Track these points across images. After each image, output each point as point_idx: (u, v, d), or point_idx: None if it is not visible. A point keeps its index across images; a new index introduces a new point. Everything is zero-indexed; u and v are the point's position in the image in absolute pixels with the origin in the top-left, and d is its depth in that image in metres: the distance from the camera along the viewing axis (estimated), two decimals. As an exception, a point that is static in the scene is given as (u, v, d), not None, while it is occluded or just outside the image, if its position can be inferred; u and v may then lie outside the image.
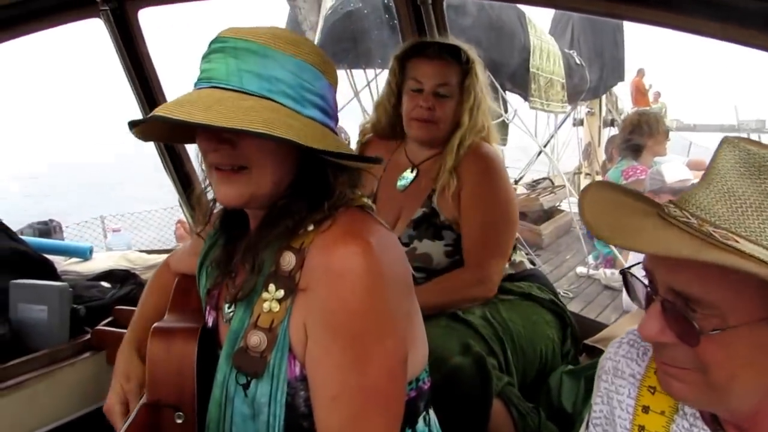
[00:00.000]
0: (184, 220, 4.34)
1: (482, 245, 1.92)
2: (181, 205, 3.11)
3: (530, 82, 6.41)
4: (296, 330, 1.05)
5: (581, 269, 6.38)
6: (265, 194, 1.07)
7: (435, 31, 2.36)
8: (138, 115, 2.42)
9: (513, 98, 6.76)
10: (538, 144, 7.94)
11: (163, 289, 1.48)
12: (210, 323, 1.26)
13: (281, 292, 1.05)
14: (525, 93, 6.51)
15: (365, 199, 1.14)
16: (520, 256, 2.12)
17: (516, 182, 8.57)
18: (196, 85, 1.05)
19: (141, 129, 1.10)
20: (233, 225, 1.22)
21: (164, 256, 3.00)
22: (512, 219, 1.97)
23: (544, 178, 8.70)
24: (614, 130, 8.39)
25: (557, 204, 7.86)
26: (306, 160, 1.09)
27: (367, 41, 5.21)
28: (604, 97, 8.52)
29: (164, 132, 1.19)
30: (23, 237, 2.50)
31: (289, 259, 1.06)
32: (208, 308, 1.27)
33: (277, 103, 1.02)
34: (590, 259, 6.23)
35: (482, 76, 2.02)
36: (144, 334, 1.37)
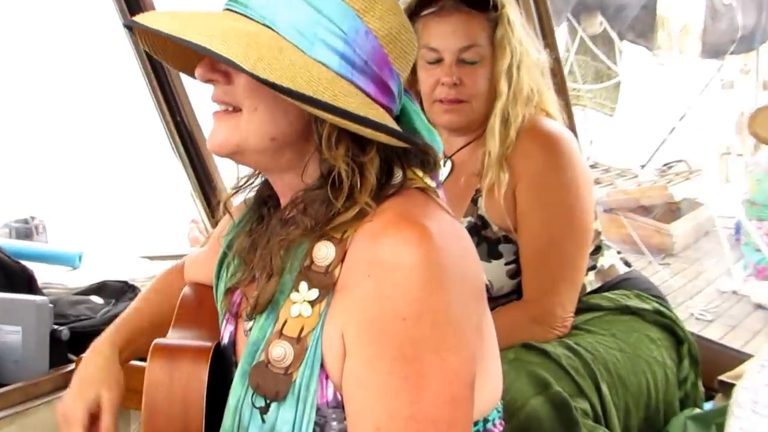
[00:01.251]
0: (199, 219, 4.27)
1: (543, 267, 1.88)
2: (192, 197, 3.15)
3: (657, 28, 6.25)
4: (331, 341, 1.05)
5: (725, 283, 6.23)
6: (257, 149, 1.10)
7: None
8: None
9: (632, 52, 6.54)
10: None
11: (169, 291, 1.51)
12: (226, 338, 1.27)
13: (315, 293, 1.06)
14: (649, 44, 6.37)
15: (428, 180, 1.15)
16: (609, 258, 2.08)
17: (642, 167, 8.34)
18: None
19: (149, 44, 1.18)
20: (267, 204, 1.25)
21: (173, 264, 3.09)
22: (585, 227, 1.90)
23: (679, 161, 8.52)
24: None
25: (695, 196, 7.64)
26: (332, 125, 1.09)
27: None
28: (762, 49, 8.02)
29: (175, 53, 1.23)
30: (-5, 239, 2.57)
31: (326, 251, 1.07)
32: (226, 316, 1.29)
33: (278, 34, 1.05)
34: (737, 270, 6.09)
35: (519, 20, 1.95)
36: (134, 336, 1.39)
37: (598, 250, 2.04)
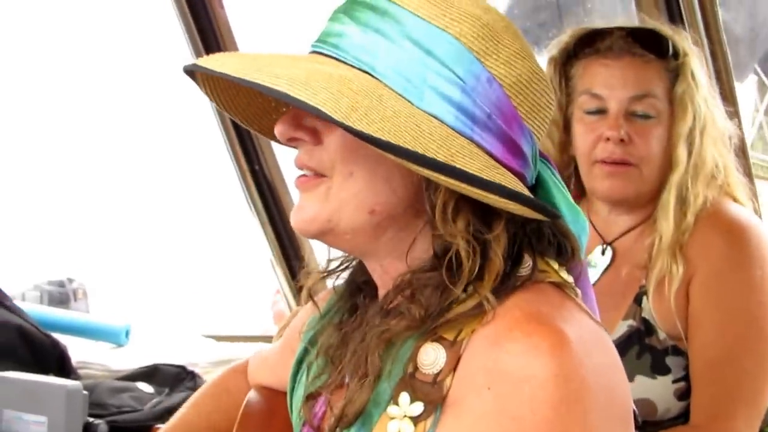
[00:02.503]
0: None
1: (716, 385, 1.86)
2: (273, 264, 3.19)
3: None
4: None
5: None
6: (353, 224, 1.11)
7: (696, 14, 2.30)
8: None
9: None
10: None
11: (226, 398, 1.56)
12: None
13: (418, 407, 1.06)
14: None
15: (564, 275, 1.15)
16: None
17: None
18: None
19: (217, 95, 1.20)
20: (363, 293, 1.27)
21: (248, 348, 3.07)
22: None
23: None
24: None
25: None
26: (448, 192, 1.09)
27: (579, 13, 5.21)
28: None
29: (249, 108, 1.26)
30: (24, 305, 2.62)
31: (435, 356, 1.07)
32: (304, 429, 1.30)
33: (378, 80, 1.07)
34: None
35: (704, 75, 1.95)
36: None
37: None
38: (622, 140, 1.90)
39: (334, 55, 1.09)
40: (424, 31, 1.08)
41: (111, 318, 3.36)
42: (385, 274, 1.17)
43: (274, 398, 1.43)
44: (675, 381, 1.90)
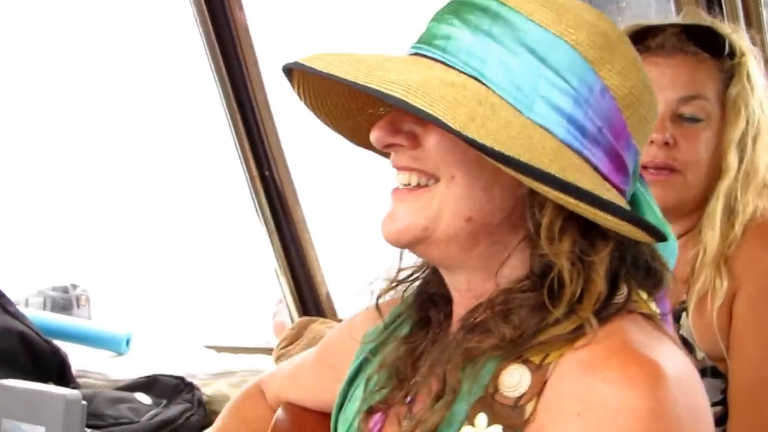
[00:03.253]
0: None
1: (756, 410, 1.78)
2: (277, 274, 3.17)
3: None
4: None
5: None
6: (448, 232, 1.09)
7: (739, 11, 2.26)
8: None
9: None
10: None
11: (251, 426, 1.55)
12: None
13: (496, 430, 1.04)
14: None
15: (653, 306, 1.13)
16: None
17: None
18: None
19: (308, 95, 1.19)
20: (437, 306, 1.25)
21: (248, 360, 3.05)
22: None
23: None
24: None
25: None
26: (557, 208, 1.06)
27: (613, 11, 5.19)
28: None
29: (335, 111, 1.25)
30: (27, 310, 2.62)
31: (519, 378, 1.05)
32: None
33: (488, 88, 1.04)
34: None
35: (761, 77, 1.86)
36: None
37: None
38: (666, 143, 1.82)
39: (441, 59, 1.07)
40: (539, 37, 1.05)
41: (112, 326, 3.35)
42: (469, 290, 1.15)
43: (305, 415, 1.44)
44: (712, 405, 1.83)
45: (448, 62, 1.06)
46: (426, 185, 1.09)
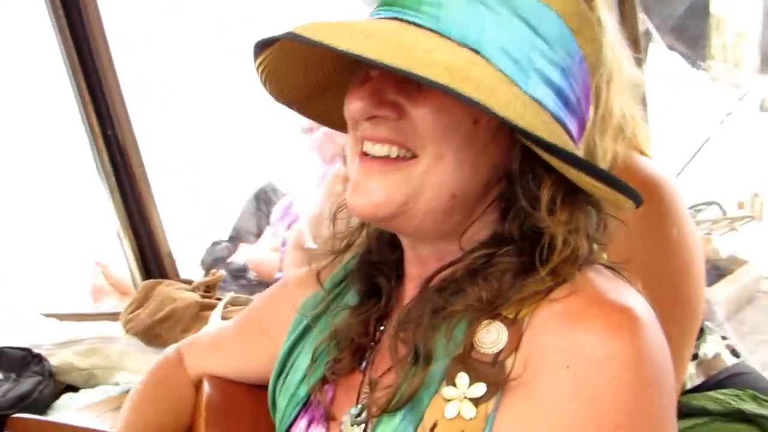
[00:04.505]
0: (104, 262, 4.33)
1: None
2: (120, 237, 2.85)
3: (711, 34, 6.75)
4: None
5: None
6: (428, 209, 1.05)
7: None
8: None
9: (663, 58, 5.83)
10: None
11: (169, 396, 1.50)
12: None
13: (480, 388, 1.00)
14: (695, 53, 6.72)
15: (605, 256, 1.12)
16: (713, 344, 1.98)
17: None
18: (371, 14, 1.07)
19: (272, 74, 1.14)
20: (380, 270, 1.23)
21: (94, 327, 2.87)
22: (695, 304, 1.74)
23: (710, 203, 7.99)
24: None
25: (736, 251, 7.28)
26: (522, 173, 1.04)
27: None
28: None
29: (303, 85, 1.19)
30: None
31: (497, 335, 1.01)
32: (305, 417, 1.27)
33: (486, 60, 0.98)
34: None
35: (612, 21, 1.71)
36: None
37: (700, 333, 1.91)
38: None
39: (434, 28, 0.99)
40: (532, 6, 1.00)
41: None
42: (433, 255, 1.13)
43: (234, 388, 1.40)
44: None
45: (442, 32, 0.98)
46: (404, 157, 1.03)
